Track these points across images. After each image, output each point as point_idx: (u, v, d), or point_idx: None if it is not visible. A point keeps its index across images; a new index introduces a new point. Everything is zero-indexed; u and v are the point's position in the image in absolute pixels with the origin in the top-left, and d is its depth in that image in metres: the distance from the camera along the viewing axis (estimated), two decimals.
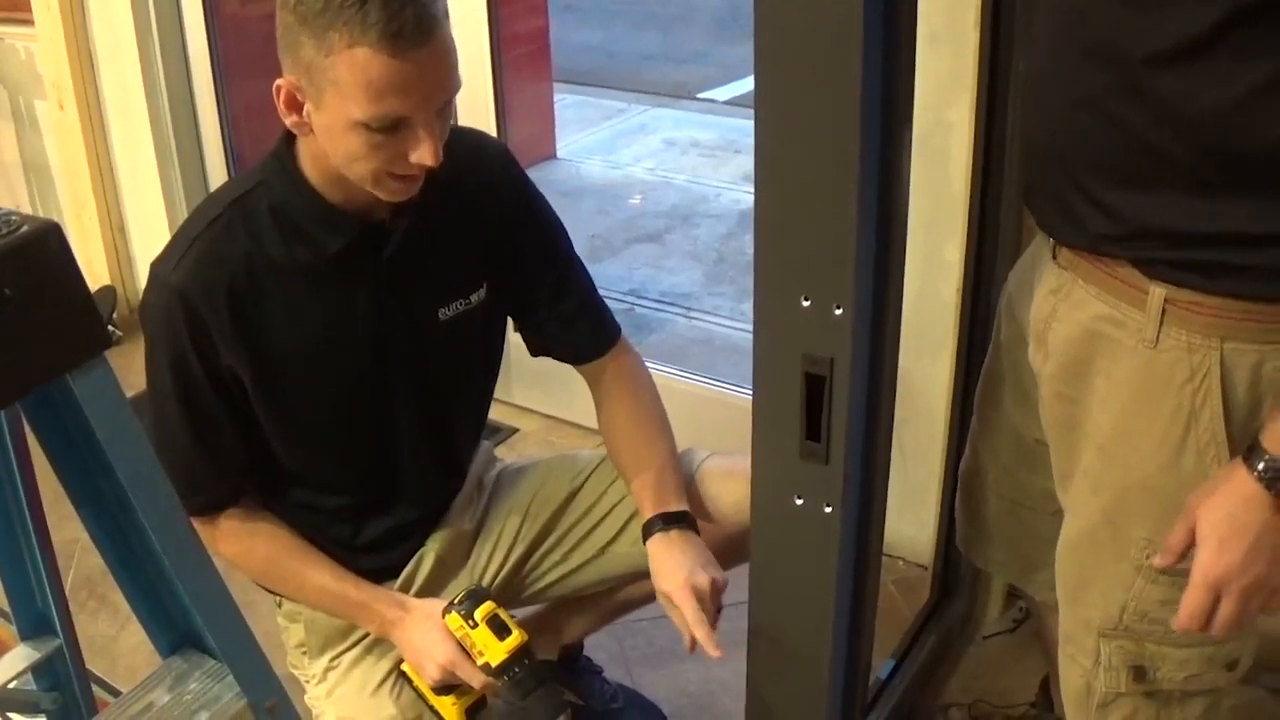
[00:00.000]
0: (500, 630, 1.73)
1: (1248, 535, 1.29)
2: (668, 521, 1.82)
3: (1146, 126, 1.29)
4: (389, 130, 1.54)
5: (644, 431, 1.93)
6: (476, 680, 1.74)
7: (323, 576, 1.84)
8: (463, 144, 1.74)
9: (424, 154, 1.56)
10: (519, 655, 1.72)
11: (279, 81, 1.57)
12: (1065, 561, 1.57)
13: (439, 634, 1.75)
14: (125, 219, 4.06)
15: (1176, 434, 1.37)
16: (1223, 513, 1.30)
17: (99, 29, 3.77)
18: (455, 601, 1.76)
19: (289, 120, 1.61)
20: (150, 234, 4.00)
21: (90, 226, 3.97)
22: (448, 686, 1.79)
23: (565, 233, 1.94)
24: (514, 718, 1.75)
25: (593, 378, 1.98)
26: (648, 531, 1.83)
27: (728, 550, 1.95)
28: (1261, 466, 1.27)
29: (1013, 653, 2.45)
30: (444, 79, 1.56)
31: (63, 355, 1.11)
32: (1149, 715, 1.53)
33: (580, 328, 1.94)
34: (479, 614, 1.73)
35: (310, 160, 1.67)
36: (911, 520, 2.54)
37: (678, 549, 1.78)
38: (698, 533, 1.83)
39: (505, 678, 1.72)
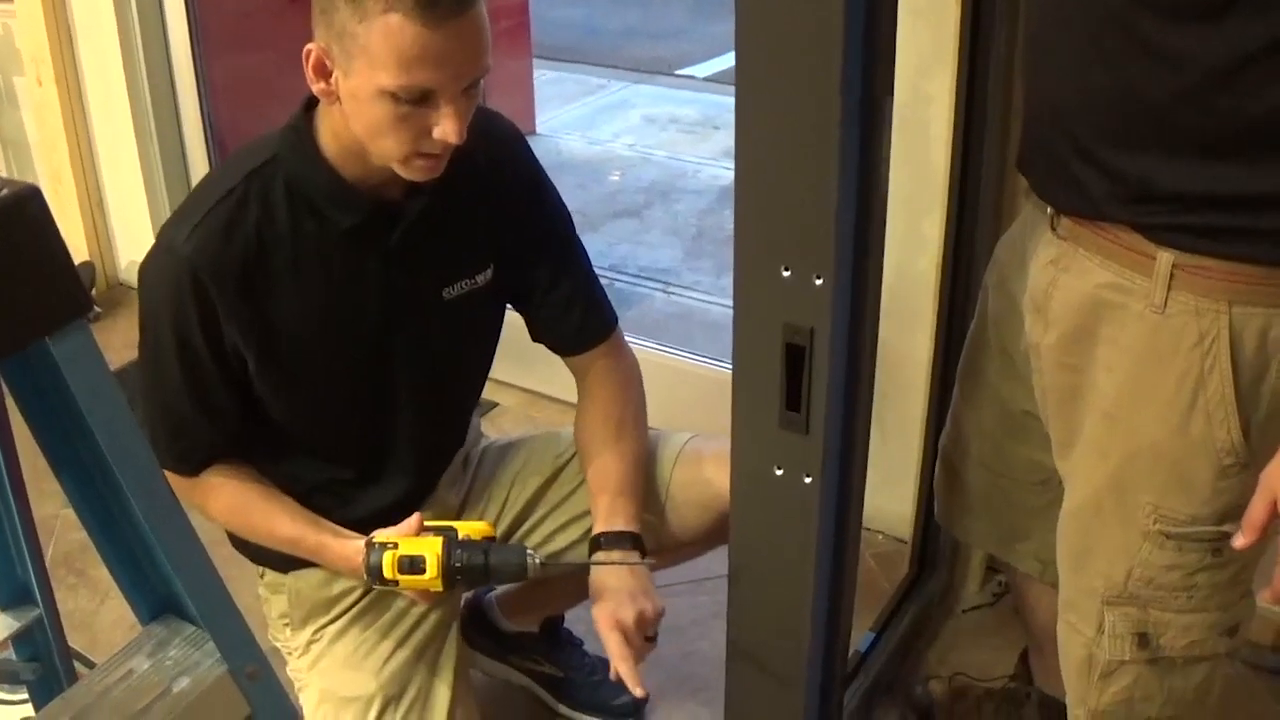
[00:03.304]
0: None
1: None
2: (610, 541, 1.82)
3: (1155, 86, 1.29)
4: (416, 102, 1.53)
5: (614, 442, 1.92)
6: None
7: (289, 526, 1.79)
8: (475, 122, 1.73)
9: (448, 130, 1.55)
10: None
11: (309, 46, 1.56)
12: (1068, 530, 1.57)
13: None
14: (104, 195, 4.04)
15: (1185, 398, 1.38)
16: None
17: (78, 5, 3.75)
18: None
19: (316, 87, 1.60)
20: (128, 210, 3.99)
21: (68, 202, 3.95)
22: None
23: (570, 218, 1.93)
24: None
25: (578, 373, 1.97)
26: (594, 545, 1.84)
27: (713, 533, 1.96)
28: None
29: (991, 626, 2.47)
30: (475, 55, 1.55)
31: (42, 318, 1.11)
32: (1151, 683, 1.54)
33: (570, 317, 1.92)
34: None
35: (329, 133, 1.66)
36: (891, 494, 2.55)
37: (614, 574, 1.79)
38: (644, 553, 1.83)
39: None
